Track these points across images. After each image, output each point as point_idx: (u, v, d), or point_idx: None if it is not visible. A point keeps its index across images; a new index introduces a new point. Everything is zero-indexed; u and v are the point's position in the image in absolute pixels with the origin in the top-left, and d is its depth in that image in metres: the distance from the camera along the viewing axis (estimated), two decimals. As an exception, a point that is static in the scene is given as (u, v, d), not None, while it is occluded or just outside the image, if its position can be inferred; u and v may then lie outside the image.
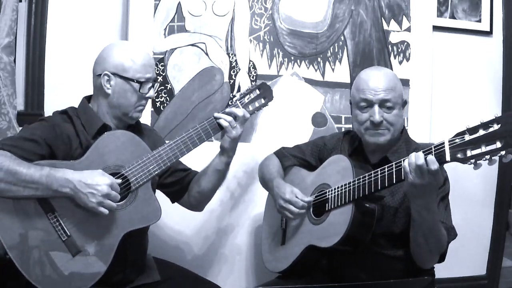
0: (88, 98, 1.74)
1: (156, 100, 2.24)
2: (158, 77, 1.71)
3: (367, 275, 1.69)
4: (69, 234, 1.55)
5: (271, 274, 1.95)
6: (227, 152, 1.77)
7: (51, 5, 2.15)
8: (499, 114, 1.29)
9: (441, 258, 1.64)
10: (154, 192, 1.79)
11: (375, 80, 1.67)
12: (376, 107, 1.65)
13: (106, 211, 1.52)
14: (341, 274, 1.74)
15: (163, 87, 2.26)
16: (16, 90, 2.07)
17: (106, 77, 1.65)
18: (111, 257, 1.57)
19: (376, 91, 1.66)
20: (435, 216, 1.51)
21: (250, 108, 1.79)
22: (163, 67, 2.26)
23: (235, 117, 1.73)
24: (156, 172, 1.64)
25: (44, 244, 1.53)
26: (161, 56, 2.25)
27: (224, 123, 1.71)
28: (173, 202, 1.92)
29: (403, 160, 1.46)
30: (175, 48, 2.27)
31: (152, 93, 1.71)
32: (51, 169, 1.51)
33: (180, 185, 1.87)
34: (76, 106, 1.73)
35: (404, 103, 1.72)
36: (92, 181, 1.50)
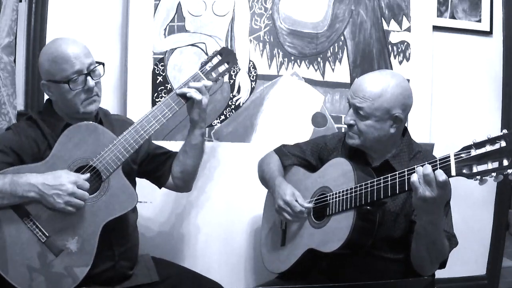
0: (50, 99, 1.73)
1: (156, 100, 2.24)
2: (93, 64, 1.63)
3: (366, 277, 1.68)
4: (47, 234, 1.54)
5: (270, 274, 1.95)
6: (199, 124, 1.77)
7: (51, 5, 2.15)
8: (504, 129, 1.26)
9: (442, 265, 1.62)
10: (133, 180, 1.79)
11: (361, 84, 1.63)
12: (351, 110, 1.66)
13: (74, 209, 1.52)
14: (341, 276, 1.74)
15: (163, 87, 2.26)
16: (16, 90, 2.07)
17: (45, 86, 1.66)
18: (94, 250, 1.57)
19: (354, 94, 1.63)
20: (440, 230, 1.49)
21: (214, 75, 1.78)
22: (163, 67, 2.26)
23: (198, 89, 1.71)
24: (125, 157, 1.61)
25: (26, 249, 1.53)
26: (161, 56, 2.25)
27: (197, 96, 1.69)
28: (160, 187, 1.92)
29: (408, 172, 1.44)
30: (175, 48, 2.27)
31: (91, 83, 1.62)
32: (14, 175, 1.51)
33: (163, 170, 1.87)
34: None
35: (395, 118, 1.61)
36: (56, 181, 1.50)
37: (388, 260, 1.68)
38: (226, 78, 2.32)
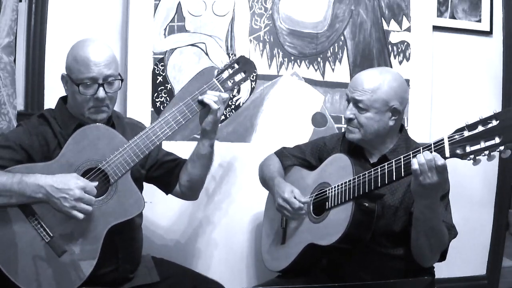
0: (65, 98, 1.73)
1: (156, 100, 2.24)
2: (112, 77, 1.62)
3: (366, 274, 1.70)
4: (51, 235, 1.54)
5: (271, 273, 1.95)
6: (209, 135, 1.75)
7: (51, 5, 2.15)
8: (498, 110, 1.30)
9: (442, 257, 1.64)
10: (141, 185, 1.79)
11: (358, 79, 1.71)
12: (350, 104, 1.72)
13: (80, 215, 1.51)
14: (341, 273, 1.75)
15: (163, 87, 2.26)
16: (16, 90, 2.07)
17: (63, 78, 1.66)
18: (98, 253, 1.57)
19: (353, 89, 1.70)
20: (438, 216, 1.52)
21: (229, 83, 1.75)
22: (163, 67, 2.26)
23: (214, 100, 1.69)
24: (135, 162, 1.61)
25: (29, 247, 1.54)
26: (161, 56, 2.25)
27: (214, 105, 1.67)
28: (167, 193, 1.91)
29: (404, 158, 1.47)
30: (175, 48, 2.27)
31: (101, 94, 1.60)
32: (23, 175, 1.51)
33: (170, 177, 1.86)
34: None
35: (394, 110, 1.67)
36: (64, 185, 1.50)
37: (389, 256, 1.69)
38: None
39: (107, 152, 1.59)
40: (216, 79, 1.74)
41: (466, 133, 1.32)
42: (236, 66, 1.77)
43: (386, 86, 1.66)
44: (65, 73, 1.65)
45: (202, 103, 1.69)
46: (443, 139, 1.38)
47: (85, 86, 1.59)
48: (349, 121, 1.72)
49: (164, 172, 1.86)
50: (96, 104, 1.62)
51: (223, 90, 1.73)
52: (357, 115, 1.69)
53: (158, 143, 1.64)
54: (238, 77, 1.78)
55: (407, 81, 2.50)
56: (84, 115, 1.64)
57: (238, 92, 2.35)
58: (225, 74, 1.76)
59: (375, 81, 1.67)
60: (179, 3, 2.27)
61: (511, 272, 3.05)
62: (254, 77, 2.36)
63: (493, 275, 2.78)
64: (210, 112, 1.69)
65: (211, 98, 1.68)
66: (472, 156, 1.31)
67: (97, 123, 1.63)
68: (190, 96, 1.70)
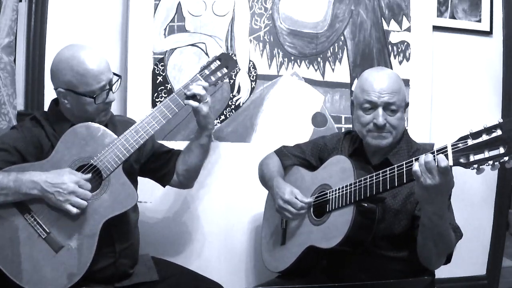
0: (57, 100, 1.73)
1: (156, 100, 2.24)
2: (115, 76, 1.68)
3: (367, 275, 1.69)
4: (48, 231, 1.57)
5: (271, 273, 1.95)
6: (206, 126, 1.81)
7: (51, 5, 2.16)
8: (500, 118, 1.28)
9: (448, 260, 1.63)
10: (135, 180, 1.82)
11: (381, 82, 1.65)
12: (380, 110, 1.64)
13: (74, 209, 1.54)
14: (341, 275, 1.74)
15: (163, 87, 2.26)
16: (16, 90, 2.07)
17: (61, 94, 1.65)
18: (94, 248, 1.59)
19: (381, 93, 1.63)
20: (445, 221, 1.49)
21: (212, 79, 1.81)
22: (163, 67, 2.26)
23: (198, 95, 1.73)
24: (126, 156, 1.63)
25: (26, 244, 1.55)
26: (161, 56, 2.25)
27: (193, 104, 1.73)
28: (164, 186, 1.95)
29: (406, 165, 1.45)
30: (175, 48, 2.27)
31: (112, 96, 1.67)
32: (18, 173, 1.53)
33: (167, 168, 1.90)
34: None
35: (406, 105, 1.71)
36: (58, 180, 1.53)
37: (389, 258, 1.69)
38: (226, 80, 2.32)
39: (98, 148, 1.62)
40: (199, 74, 1.79)
41: (470, 142, 1.29)
42: (218, 62, 1.83)
43: (402, 83, 1.69)
44: (63, 89, 1.62)
45: (187, 98, 1.74)
46: (446, 147, 1.35)
47: (98, 96, 1.62)
48: (382, 127, 1.64)
49: (160, 164, 1.90)
50: (106, 107, 1.68)
51: (206, 84, 1.78)
52: (389, 119, 1.64)
53: (147, 137, 1.68)
54: (220, 72, 1.83)
55: (407, 81, 2.51)
56: (93, 120, 1.67)
57: (238, 92, 2.35)
58: (208, 70, 1.81)
59: (396, 81, 1.67)
60: (179, 3, 2.27)
61: (511, 272, 3.06)
62: (255, 77, 2.37)
63: (493, 275, 2.78)
64: (193, 110, 1.75)
65: (198, 91, 1.72)
66: (475, 166, 1.28)
67: (88, 122, 1.65)
68: (175, 91, 1.75)
